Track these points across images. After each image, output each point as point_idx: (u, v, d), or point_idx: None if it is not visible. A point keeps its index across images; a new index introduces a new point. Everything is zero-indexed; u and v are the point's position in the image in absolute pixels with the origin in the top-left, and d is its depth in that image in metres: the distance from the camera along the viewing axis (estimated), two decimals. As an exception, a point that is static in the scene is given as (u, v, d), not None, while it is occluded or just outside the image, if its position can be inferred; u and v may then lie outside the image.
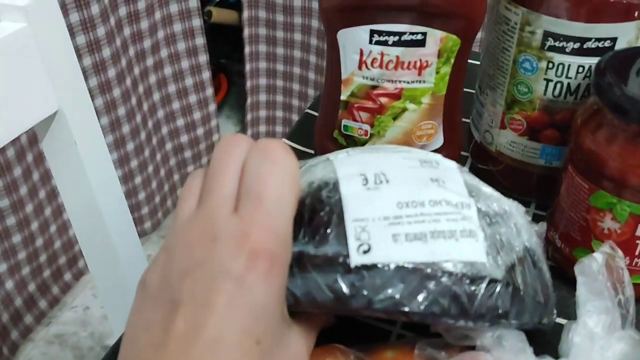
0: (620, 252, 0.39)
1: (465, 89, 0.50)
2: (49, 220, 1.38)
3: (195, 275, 0.30)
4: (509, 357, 0.36)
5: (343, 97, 0.48)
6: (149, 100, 1.53)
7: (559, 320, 0.44)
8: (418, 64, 0.45)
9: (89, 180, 0.59)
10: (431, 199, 0.34)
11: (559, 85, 0.46)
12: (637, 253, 0.42)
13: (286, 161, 0.32)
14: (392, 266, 0.32)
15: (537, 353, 0.37)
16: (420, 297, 0.32)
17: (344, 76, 0.47)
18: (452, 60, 0.45)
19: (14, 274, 1.33)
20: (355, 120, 0.48)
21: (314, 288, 0.32)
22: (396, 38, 0.44)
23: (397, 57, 0.45)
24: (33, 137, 1.24)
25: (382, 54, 0.45)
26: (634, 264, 0.43)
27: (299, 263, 0.33)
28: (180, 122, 1.65)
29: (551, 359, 0.37)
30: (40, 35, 0.52)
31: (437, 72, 0.45)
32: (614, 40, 0.43)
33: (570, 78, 0.45)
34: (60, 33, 0.55)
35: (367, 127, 0.48)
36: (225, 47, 1.85)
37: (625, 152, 0.40)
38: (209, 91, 1.65)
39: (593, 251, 0.41)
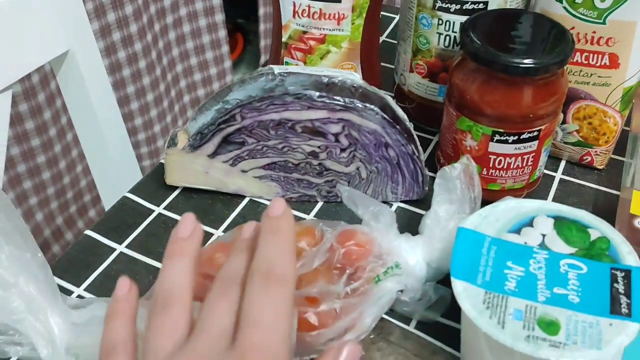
0: (473, 163, 0.52)
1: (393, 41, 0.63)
2: (75, 161, 1.54)
3: None
4: (381, 229, 0.50)
5: (283, 39, 0.61)
6: (168, 55, 1.67)
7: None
8: (337, 16, 0.58)
9: (94, 109, 0.74)
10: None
11: (447, 38, 0.59)
12: (490, 165, 0.55)
13: (284, 284, 0.32)
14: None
15: (403, 232, 0.51)
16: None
17: (283, 22, 0.60)
18: (364, 15, 0.58)
19: (43, 207, 1.50)
20: (292, 58, 0.62)
21: None
22: (319, -6, 0.57)
23: (320, 9, 0.58)
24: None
25: (309, 7, 0.58)
26: (489, 173, 0.56)
27: None
28: (197, 76, 1.79)
29: (409, 234, 0.51)
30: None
31: (353, 23, 0.59)
32: (485, 3, 0.56)
33: (455, 32, 0.58)
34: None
35: (301, 64, 0.62)
36: (242, 8, 1.98)
37: (480, 89, 0.53)
38: (225, 49, 1.78)
39: (461, 164, 0.54)
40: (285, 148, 0.55)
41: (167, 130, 1.71)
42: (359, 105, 0.52)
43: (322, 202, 0.59)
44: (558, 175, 0.61)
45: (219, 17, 1.72)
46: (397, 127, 0.54)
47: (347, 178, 0.57)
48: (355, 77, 0.54)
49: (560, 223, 0.47)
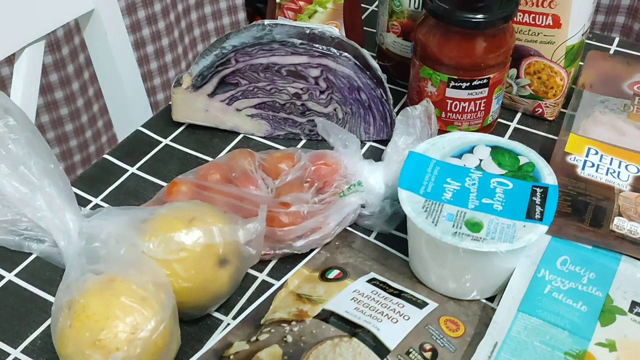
0: (432, 105, 0.61)
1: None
2: (96, 115, 1.65)
3: None
4: (348, 153, 0.59)
5: (277, 0, 0.71)
6: (190, 35, 1.78)
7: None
8: (322, -21, 0.68)
9: (114, 59, 0.84)
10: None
11: (417, 1, 0.68)
12: (448, 109, 0.64)
13: None
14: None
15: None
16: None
17: (277, -14, 0.70)
18: (347, -22, 0.68)
19: (65, 159, 1.60)
20: (285, 17, 0.71)
21: None
22: (307, -40, 0.67)
23: (308, -27, 0.68)
24: (82, 43, 1.47)
25: (298, -30, 0.68)
26: (447, 117, 0.65)
27: None
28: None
29: (372, 160, 0.60)
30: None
31: (336, -14, 0.68)
32: (448, -31, 0.65)
33: (424, -5, 0.67)
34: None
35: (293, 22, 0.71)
36: (261, -7, 2.07)
37: (439, 42, 0.62)
38: (243, 30, 1.87)
39: (424, 109, 0.63)
40: (273, 89, 0.64)
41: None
42: (335, 52, 0.62)
43: (305, 140, 0.69)
44: (513, 125, 0.70)
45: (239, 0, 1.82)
46: (367, 72, 0.63)
47: (325, 118, 0.66)
48: (334, 30, 0.64)
49: (496, 151, 0.56)
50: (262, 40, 0.62)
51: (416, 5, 0.68)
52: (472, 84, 0.62)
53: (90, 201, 0.61)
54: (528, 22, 0.64)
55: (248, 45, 0.62)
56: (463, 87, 0.62)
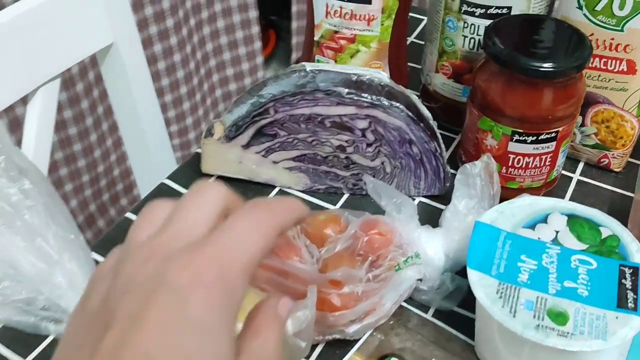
0: (493, 161, 0.55)
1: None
2: (110, 150, 1.60)
3: (136, 290, 0.26)
4: (402, 220, 0.53)
5: (316, 38, 0.64)
6: (202, 50, 1.72)
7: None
8: (367, 17, 0.61)
9: (134, 99, 0.78)
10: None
11: (472, 40, 0.61)
12: (509, 164, 0.58)
13: (271, 212, 0.30)
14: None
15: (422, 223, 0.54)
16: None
17: (316, 22, 0.63)
18: (393, 16, 0.61)
19: (77, 194, 1.55)
20: (324, 56, 0.65)
21: None
22: (350, -4, 0.60)
23: (352, 10, 0.61)
24: (99, 76, 1.43)
25: (341, 8, 0.61)
26: (508, 172, 0.58)
27: None
28: (229, 71, 1.83)
29: (429, 226, 0.54)
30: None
31: (382, 24, 0.62)
32: (509, 8, 0.58)
33: (480, 35, 0.61)
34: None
35: (332, 61, 0.65)
36: (275, 5, 2.02)
37: (501, 90, 0.55)
38: (257, 44, 1.82)
39: (481, 162, 0.57)
40: (315, 141, 0.58)
41: (199, 122, 1.76)
42: (385, 102, 0.55)
43: (347, 194, 0.62)
44: (576, 177, 0.64)
45: (253, 13, 1.76)
46: (421, 124, 0.57)
47: (372, 172, 0.60)
48: (382, 75, 0.57)
49: (573, 221, 0.49)
50: (304, 88, 0.55)
51: (471, 46, 0.62)
52: (539, 137, 0.55)
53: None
54: (599, 67, 0.58)
55: (289, 95, 0.55)
56: (528, 141, 0.56)
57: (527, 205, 0.51)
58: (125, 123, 0.80)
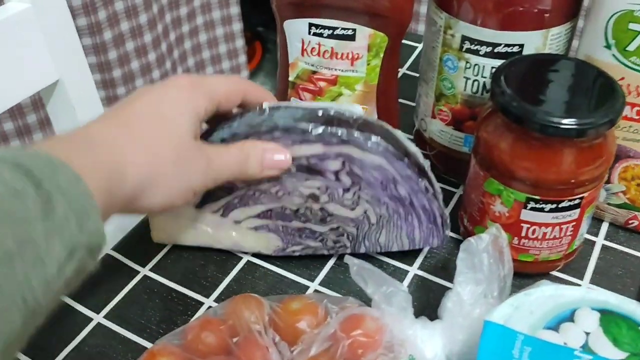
0: (504, 234, 0.45)
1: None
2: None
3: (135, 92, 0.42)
4: (394, 314, 0.43)
5: (290, 79, 0.54)
6: (184, 65, 1.62)
7: (448, 284, 0.50)
8: (350, 56, 0.51)
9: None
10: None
11: (475, 83, 0.51)
12: (523, 234, 0.48)
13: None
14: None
15: (426, 315, 0.44)
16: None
17: (290, 60, 0.54)
18: (382, 55, 0.51)
19: None
20: (300, 99, 0.55)
21: None
22: (330, 31, 0.50)
23: (332, 48, 0.51)
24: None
25: (319, 44, 0.51)
26: (521, 243, 0.49)
27: None
28: (212, 87, 1.73)
29: (426, 319, 0.44)
30: (43, 15, 0.60)
31: (368, 64, 0.52)
32: (521, 46, 0.49)
33: (485, 77, 0.51)
34: (62, 12, 0.63)
35: (310, 106, 0.55)
36: (262, 16, 1.92)
37: (512, 149, 0.45)
38: (242, 59, 1.72)
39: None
40: (280, 192, 0.48)
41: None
42: (359, 136, 0.45)
43: (330, 266, 0.52)
44: (600, 241, 0.54)
45: (237, 26, 1.66)
46: (405, 160, 0.47)
47: (354, 224, 0.50)
48: (355, 108, 0.48)
49: (608, 318, 0.40)
50: (260, 128, 0.45)
51: (474, 90, 0.52)
52: (559, 205, 0.46)
53: (41, 370, 0.45)
54: (630, 117, 0.48)
55: (241, 136, 0.45)
56: (546, 209, 0.46)
57: (547, 297, 0.41)
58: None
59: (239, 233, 0.51)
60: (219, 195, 0.49)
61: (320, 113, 0.46)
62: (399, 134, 0.47)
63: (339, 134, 0.46)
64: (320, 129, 0.45)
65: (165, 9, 1.49)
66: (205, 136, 0.47)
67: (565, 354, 0.38)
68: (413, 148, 0.48)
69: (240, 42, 1.68)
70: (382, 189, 0.48)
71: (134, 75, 1.47)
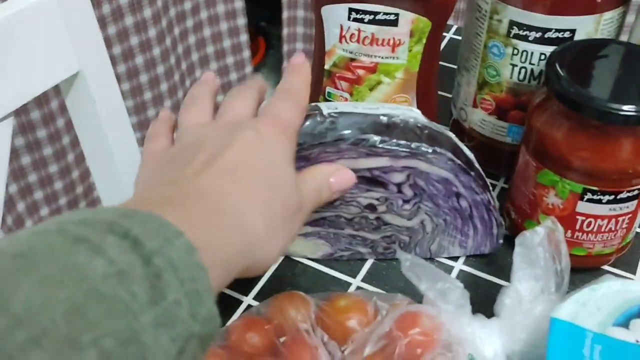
0: (560, 227, 0.43)
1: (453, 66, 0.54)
2: (84, 156, 1.46)
3: (218, 137, 0.35)
4: (450, 311, 0.41)
5: (326, 67, 0.52)
6: (188, 61, 1.59)
7: (502, 282, 0.49)
8: (392, 42, 0.49)
9: (105, 135, 0.65)
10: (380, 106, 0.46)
11: (523, 70, 0.49)
12: (577, 227, 0.46)
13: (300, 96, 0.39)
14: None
15: (475, 312, 0.42)
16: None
17: (327, 48, 0.51)
18: (424, 41, 0.49)
19: (50, 202, 1.42)
20: (336, 88, 0.53)
21: None
22: (371, 17, 0.48)
23: (373, 34, 0.49)
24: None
25: (359, 30, 0.49)
26: (575, 237, 0.47)
27: None
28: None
29: (483, 317, 0.42)
30: (64, 5, 0.58)
31: (410, 51, 0.50)
32: (572, 31, 0.47)
33: (534, 64, 0.49)
34: (84, 2, 0.60)
35: (347, 95, 0.53)
36: (265, 11, 1.89)
37: (568, 137, 0.44)
38: (246, 53, 1.70)
39: (539, 223, 0.45)
40: (338, 202, 0.46)
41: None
42: (428, 150, 0.43)
43: (371, 262, 0.50)
44: (650, 234, 0.52)
45: (241, 21, 1.64)
46: (472, 173, 0.45)
47: (408, 233, 0.48)
48: (416, 114, 0.46)
49: (679, 314, 0.38)
50: (324, 138, 0.43)
51: (521, 77, 0.50)
52: (617, 197, 0.44)
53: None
54: (687, 104, 0.46)
55: (304, 147, 0.43)
56: (604, 201, 0.44)
57: (615, 292, 0.39)
58: (95, 160, 0.68)
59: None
60: None
61: (384, 120, 0.44)
62: (459, 142, 0.46)
63: (408, 147, 0.43)
64: (387, 143, 0.43)
65: (169, 4, 1.46)
66: None
67: (638, 352, 0.36)
68: (472, 156, 0.46)
69: (244, 37, 1.65)
70: (444, 201, 0.46)
71: (138, 70, 1.44)
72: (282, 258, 0.50)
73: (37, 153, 1.31)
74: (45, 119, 1.28)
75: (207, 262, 0.26)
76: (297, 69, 0.40)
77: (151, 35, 1.41)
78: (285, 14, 1.70)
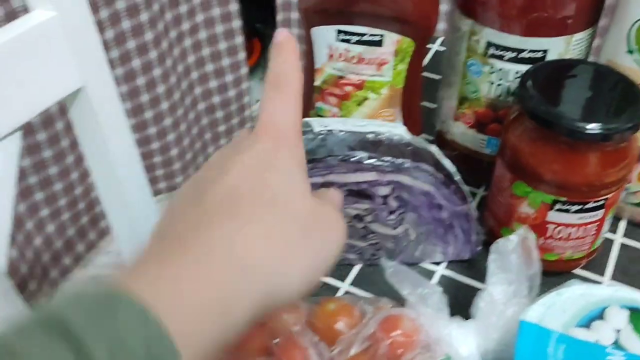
0: (532, 235, 0.46)
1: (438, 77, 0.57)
2: (88, 171, 1.50)
3: (221, 156, 0.34)
4: (429, 314, 0.44)
5: (316, 84, 0.56)
6: (184, 62, 1.62)
7: (481, 284, 0.52)
8: (377, 61, 0.53)
9: (108, 149, 0.68)
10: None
11: (499, 87, 0.53)
12: (548, 234, 0.50)
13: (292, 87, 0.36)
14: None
15: (456, 313, 0.45)
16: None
17: (317, 66, 0.55)
18: (408, 60, 0.53)
19: (54, 218, 1.46)
20: (326, 103, 0.56)
21: None
22: (358, 37, 0.52)
23: (359, 53, 0.52)
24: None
25: (347, 50, 0.52)
26: (547, 243, 0.50)
27: None
28: (213, 83, 1.74)
29: (460, 318, 0.45)
30: (68, 23, 0.61)
31: (394, 69, 0.53)
32: (545, 51, 0.50)
33: (510, 81, 0.52)
34: (87, 20, 0.63)
35: (336, 109, 0.56)
36: (261, 12, 1.92)
37: (539, 152, 0.47)
38: (241, 55, 1.72)
39: (514, 230, 0.49)
40: None
41: (181, 138, 1.66)
42: (410, 165, 0.47)
43: (359, 267, 0.54)
44: (618, 239, 0.55)
45: (237, 23, 1.66)
46: (452, 187, 0.48)
47: (394, 240, 0.51)
48: (401, 130, 0.49)
49: (637, 316, 0.41)
50: (315, 154, 0.46)
51: (498, 93, 0.53)
52: (585, 207, 0.47)
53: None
54: (650, 120, 0.50)
55: None
56: (572, 210, 0.47)
57: (578, 296, 0.43)
58: (98, 172, 0.71)
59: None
60: None
61: (369, 137, 0.48)
62: (440, 155, 0.49)
63: (393, 163, 0.47)
64: (374, 159, 0.47)
65: (165, 7, 1.49)
66: None
67: (597, 351, 0.40)
68: (452, 168, 0.50)
69: (239, 39, 1.68)
70: (426, 212, 0.50)
71: (134, 73, 1.47)
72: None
73: (36, 156, 1.35)
74: (45, 122, 1.31)
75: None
76: (283, 48, 0.36)
77: (148, 38, 1.45)
78: (279, 16, 1.73)
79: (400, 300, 0.46)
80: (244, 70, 1.75)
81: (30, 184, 1.36)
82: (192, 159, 1.75)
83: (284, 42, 0.36)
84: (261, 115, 0.35)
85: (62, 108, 1.32)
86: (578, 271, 0.53)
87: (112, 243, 1.62)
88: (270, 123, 0.35)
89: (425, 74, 0.73)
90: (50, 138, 1.33)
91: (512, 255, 0.46)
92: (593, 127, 0.44)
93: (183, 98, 1.63)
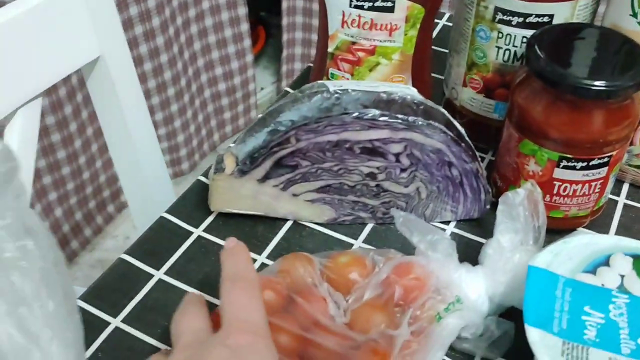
0: (538, 189, 0.48)
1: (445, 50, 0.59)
2: (95, 156, 1.52)
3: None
4: (439, 260, 0.46)
5: (330, 50, 0.58)
6: (190, 49, 1.64)
7: (484, 240, 0.54)
8: (389, 27, 0.54)
9: (124, 117, 0.70)
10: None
11: (507, 52, 0.55)
12: (554, 192, 0.51)
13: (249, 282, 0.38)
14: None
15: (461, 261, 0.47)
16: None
17: (330, 32, 0.57)
18: (418, 26, 0.55)
19: (62, 203, 1.48)
20: (339, 69, 0.58)
21: None
22: (370, 3, 0.53)
23: (372, 19, 0.54)
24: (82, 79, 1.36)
25: (359, 16, 0.54)
26: (553, 200, 0.52)
27: None
28: (218, 70, 1.75)
29: (469, 264, 0.47)
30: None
31: (405, 34, 0.55)
32: (551, 16, 0.52)
33: (516, 46, 0.54)
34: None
35: (348, 75, 0.58)
36: (265, 1, 1.94)
37: (546, 111, 0.49)
38: (247, 42, 1.74)
39: (521, 188, 0.51)
40: (342, 170, 0.51)
41: (187, 125, 1.68)
42: (423, 123, 0.49)
43: (371, 226, 0.55)
44: (621, 200, 0.57)
45: (242, 10, 1.68)
46: (462, 145, 0.50)
47: (405, 199, 0.53)
48: (413, 92, 0.51)
49: None
50: (330, 112, 0.48)
51: (506, 58, 0.55)
52: (590, 163, 0.49)
53: (108, 322, 0.48)
54: (653, 81, 0.51)
55: (313, 120, 0.48)
56: (578, 167, 0.49)
57: (584, 245, 0.45)
58: (115, 143, 0.73)
59: (295, 204, 0.54)
60: (281, 173, 0.52)
61: (383, 96, 0.49)
62: (451, 118, 0.51)
63: (406, 121, 0.49)
64: (387, 117, 0.49)
65: (172, -5, 1.51)
66: (269, 119, 0.50)
67: (603, 294, 0.42)
68: (462, 130, 0.51)
69: (245, 26, 1.70)
70: (437, 170, 0.52)
71: (142, 59, 1.49)
72: (290, 222, 0.55)
73: (45, 139, 1.36)
74: (54, 106, 1.33)
75: None
76: (234, 252, 0.40)
77: (155, 24, 1.46)
78: (284, 4, 1.75)
79: (409, 254, 0.48)
80: (249, 57, 1.77)
81: (39, 167, 1.37)
82: (197, 146, 1.77)
83: (235, 247, 0.40)
84: (227, 313, 0.36)
85: (69, 92, 1.34)
86: (582, 230, 0.55)
87: (119, 228, 1.64)
88: (239, 319, 0.36)
89: (432, 47, 0.75)
90: (58, 122, 1.35)
91: (519, 207, 0.48)
92: (597, 84, 0.46)
93: (189, 85, 1.65)
